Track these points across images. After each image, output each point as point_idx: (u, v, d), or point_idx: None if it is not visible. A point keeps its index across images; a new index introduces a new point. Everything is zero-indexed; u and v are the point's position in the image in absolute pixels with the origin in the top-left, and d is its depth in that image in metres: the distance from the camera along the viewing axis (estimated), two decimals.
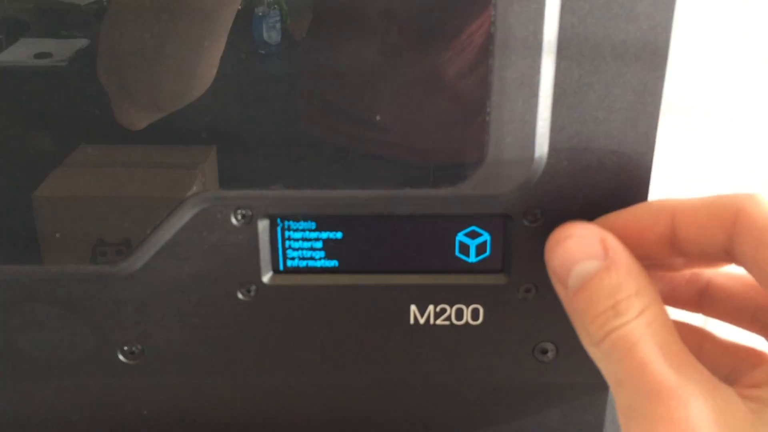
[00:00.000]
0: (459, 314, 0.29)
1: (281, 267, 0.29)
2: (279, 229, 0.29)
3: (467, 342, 0.30)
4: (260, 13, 0.26)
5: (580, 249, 0.24)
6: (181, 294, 0.29)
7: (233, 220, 0.28)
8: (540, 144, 0.26)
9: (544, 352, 0.30)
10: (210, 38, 0.26)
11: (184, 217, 0.27)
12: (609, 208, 0.27)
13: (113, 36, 0.26)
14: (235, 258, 0.28)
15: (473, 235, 0.29)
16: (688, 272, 0.28)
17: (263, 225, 0.28)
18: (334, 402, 0.32)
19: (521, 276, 0.29)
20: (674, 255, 0.25)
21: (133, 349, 0.30)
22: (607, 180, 0.27)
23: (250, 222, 0.28)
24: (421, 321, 0.30)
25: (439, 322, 0.30)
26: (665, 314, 0.24)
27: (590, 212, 0.27)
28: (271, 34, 0.26)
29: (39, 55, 0.27)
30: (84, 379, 0.31)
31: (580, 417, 0.33)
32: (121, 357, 0.30)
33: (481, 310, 0.29)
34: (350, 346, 0.30)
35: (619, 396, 0.23)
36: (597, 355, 0.24)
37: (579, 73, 0.26)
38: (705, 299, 0.28)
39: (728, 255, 0.25)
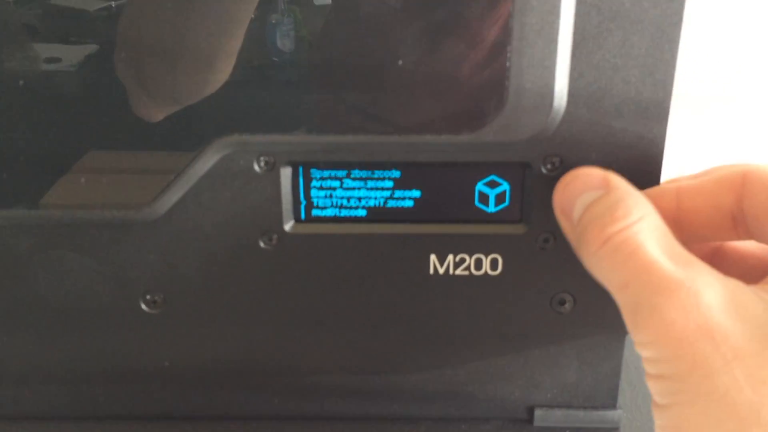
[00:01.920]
0: (478, 264, 0.30)
1: (302, 216, 0.29)
2: (301, 176, 0.29)
3: (486, 292, 0.30)
4: (274, 21, 0.26)
5: (584, 184, 0.26)
6: (204, 242, 0.29)
7: (256, 167, 0.28)
8: (559, 90, 0.27)
9: (562, 303, 0.31)
10: (227, 34, 0.26)
11: (207, 163, 0.28)
12: (626, 155, 0.28)
13: (132, 30, 0.27)
14: (257, 206, 0.29)
15: (492, 185, 0.29)
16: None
17: (285, 172, 0.29)
18: (353, 351, 0.33)
19: (539, 225, 0.29)
20: (679, 235, 0.26)
21: (155, 298, 0.30)
22: (624, 127, 0.27)
23: (272, 169, 0.28)
24: (441, 271, 0.30)
25: (458, 272, 0.30)
26: (665, 225, 0.24)
27: (608, 159, 0.28)
28: (285, 41, 0.27)
29: (48, 60, 0.28)
30: (106, 328, 0.31)
31: (596, 368, 0.33)
32: (143, 306, 0.31)
33: (500, 260, 0.30)
34: (370, 295, 0.30)
35: (623, 296, 0.23)
36: (597, 263, 0.24)
37: (598, 19, 0.26)
38: (716, 260, 0.28)
39: (735, 223, 0.25)
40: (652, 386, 0.23)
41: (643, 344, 0.23)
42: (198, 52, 0.27)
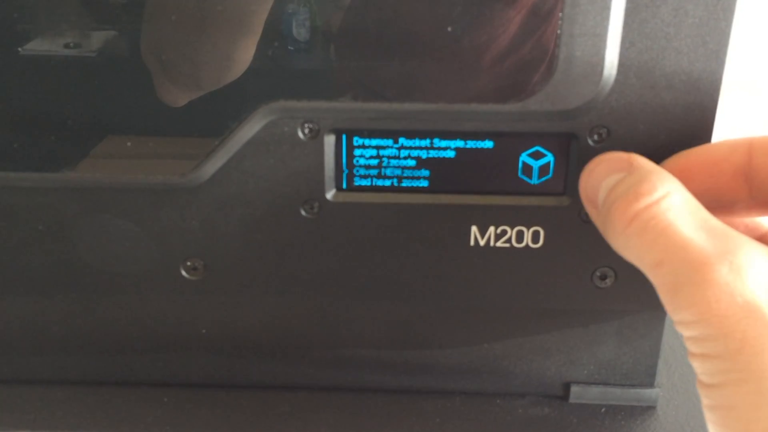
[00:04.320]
0: (519, 236, 0.30)
1: (344, 185, 0.29)
2: (344, 145, 0.29)
3: (527, 265, 0.30)
4: (290, 11, 0.27)
5: (608, 168, 0.25)
6: (245, 209, 0.29)
7: (300, 134, 0.28)
8: (609, 60, 0.26)
9: (603, 277, 0.30)
10: (245, 28, 0.27)
11: (252, 128, 0.28)
12: (675, 127, 0.27)
13: (156, 20, 0.27)
14: (300, 174, 0.29)
15: (537, 156, 0.29)
16: (748, 220, 0.28)
17: (329, 140, 0.28)
18: (390, 322, 0.33)
19: None
20: (746, 192, 0.25)
21: (196, 264, 0.30)
22: (674, 98, 0.27)
23: (316, 137, 0.28)
24: (482, 243, 0.30)
25: (499, 244, 0.30)
26: (694, 199, 0.24)
27: (656, 131, 0.27)
28: (301, 31, 0.27)
29: (68, 45, 0.28)
30: (145, 294, 0.31)
31: (635, 345, 0.33)
32: (183, 272, 0.31)
33: (542, 233, 0.29)
34: (410, 266, 0.30)
35: (659, 275, 0.23)
36: (625, 242, 0.24)
37: None
38: None
39: None
40: (698, 366, 0.22)
41: (685, 324, 0.22)
42: (217, 44, 0.27)
